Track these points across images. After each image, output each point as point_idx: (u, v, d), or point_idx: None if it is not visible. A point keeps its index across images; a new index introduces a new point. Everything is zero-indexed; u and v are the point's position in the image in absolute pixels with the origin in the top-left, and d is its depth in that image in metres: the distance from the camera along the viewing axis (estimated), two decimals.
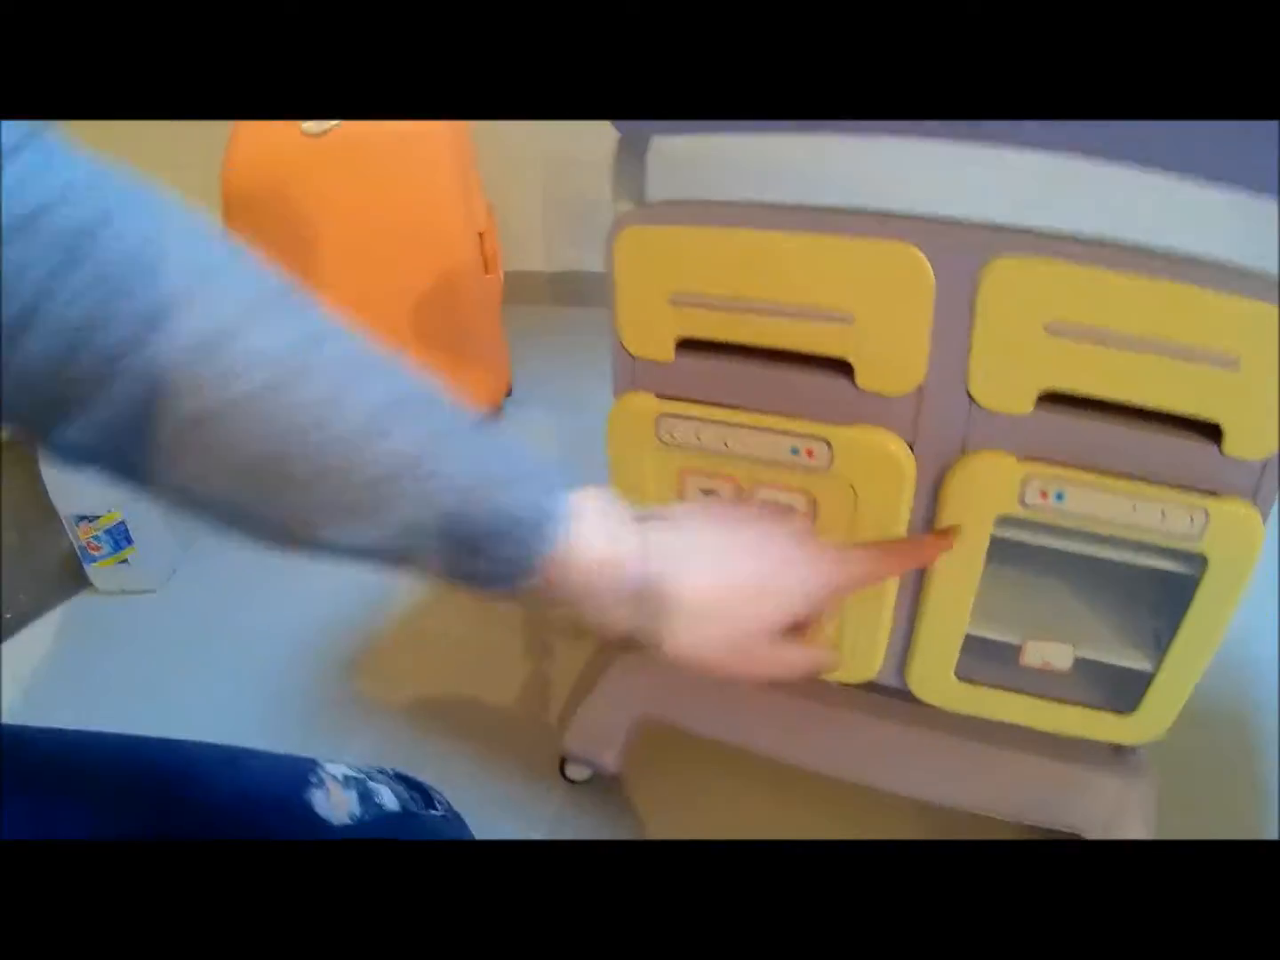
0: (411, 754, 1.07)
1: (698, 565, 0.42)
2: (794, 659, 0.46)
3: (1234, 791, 1.04)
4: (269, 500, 0.34)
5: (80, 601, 1.44)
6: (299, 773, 0.59)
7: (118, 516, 1.37)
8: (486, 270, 1.72)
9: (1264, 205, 0.59)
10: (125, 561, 1.40)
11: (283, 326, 0.34)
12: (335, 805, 0.58)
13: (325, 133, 1.49)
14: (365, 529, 0.36)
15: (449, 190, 1.59)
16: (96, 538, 1.38)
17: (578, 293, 2.55)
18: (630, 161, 0.75)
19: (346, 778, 0.61)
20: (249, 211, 1.56)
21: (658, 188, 0.76)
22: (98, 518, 1.36)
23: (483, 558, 0.38)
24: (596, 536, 0.40)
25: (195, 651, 1.31)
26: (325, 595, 1.40)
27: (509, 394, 1.98)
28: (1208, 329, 0.59)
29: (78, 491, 1.34)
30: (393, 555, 0.37)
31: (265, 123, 1.52)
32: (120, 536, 1.38)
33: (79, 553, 1.41)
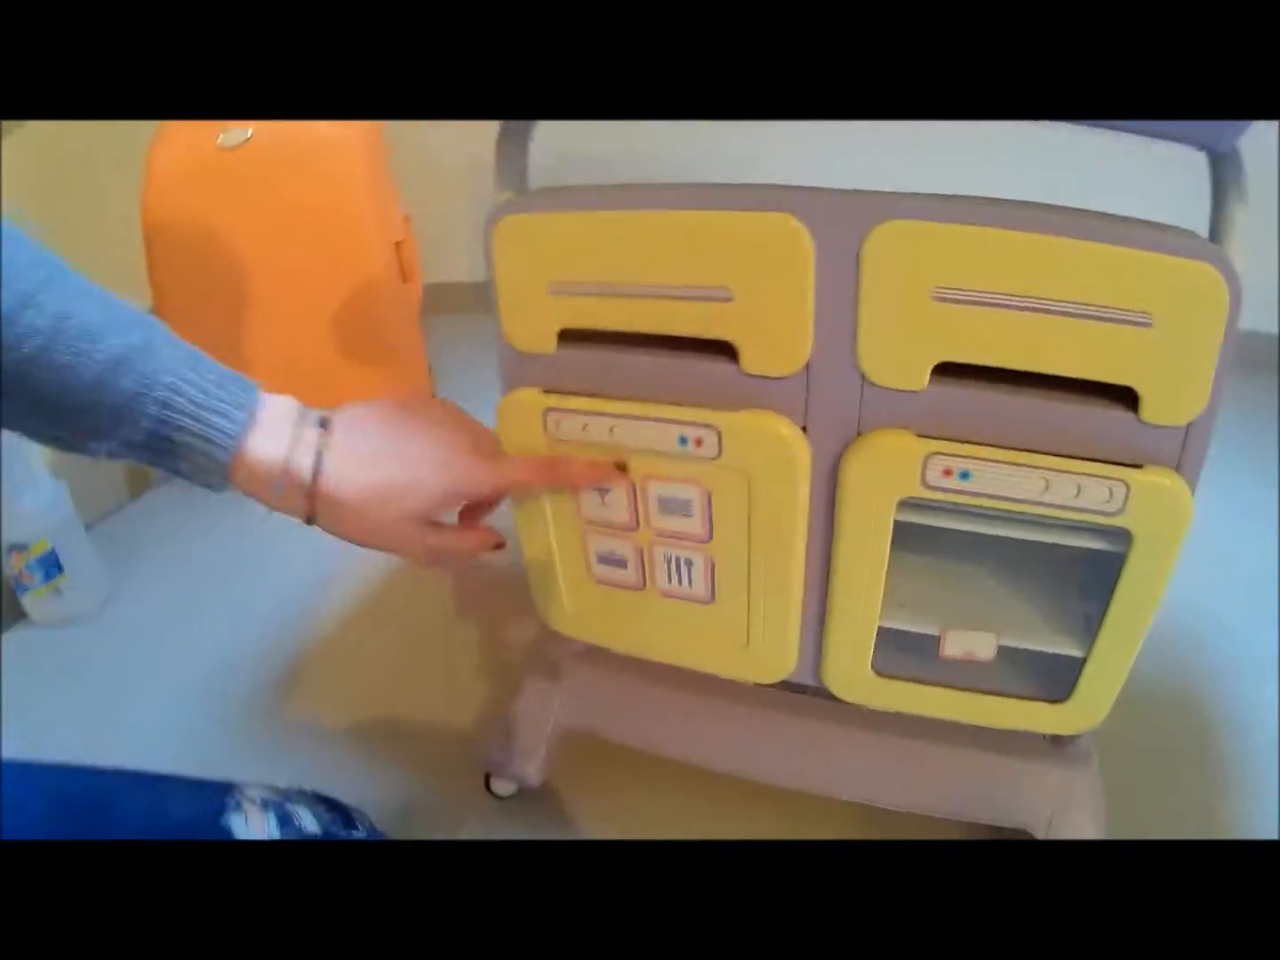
0: (341, 775, 1.05)
1: (352, 471, 0.55)
2: (442, 542, 0.61)
3: (1185, 782, 1.02)
4: (51, 423, 0.49)
5: (16, 634, 1.42)
6: (217, 797, 0.61)
7: (47, 545, 1.34)
8: (405, 279, 1.71)
9: (1166, 151, 0.56)
10: (58, 590, 1.38)
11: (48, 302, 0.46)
12: (254, 828, 0.58)
13: (241, 144, 1.46)
14: (100, 443, 0.50)
15: (363, 199, 1.58)
16: (29, 567, 1.36)
17: None
18: (512, 151, 0.71)
19: (265, 800, 0.61)
20: (168, 227, 1.54)
21: (539, 177, 0.73)
22: (28, 546, 1.34)
23: (184, 463, 0.51)
24: (271, 445, 0.53)
25: (130, 679, 1.30)
26: (254, 618, 1.40)
27: None
28: (1116, 286, 0.55)
29: (8, 518, 1.31)
30: (135, 460, 0.52)
31: (181, 138, 1.51)
32: (51, 564, 1.36)
33: (14, 585, 1.38)
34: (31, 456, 1.34)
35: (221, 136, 1.46)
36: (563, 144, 2.51)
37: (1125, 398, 0.59)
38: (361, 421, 0.57)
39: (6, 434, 1.21)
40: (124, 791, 0.59)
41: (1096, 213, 0.56)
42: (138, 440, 0.50)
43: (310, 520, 0.56)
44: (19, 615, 1.42)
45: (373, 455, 0.56)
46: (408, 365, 1.80)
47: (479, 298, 2.67)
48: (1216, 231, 0.58)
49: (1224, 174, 0.58)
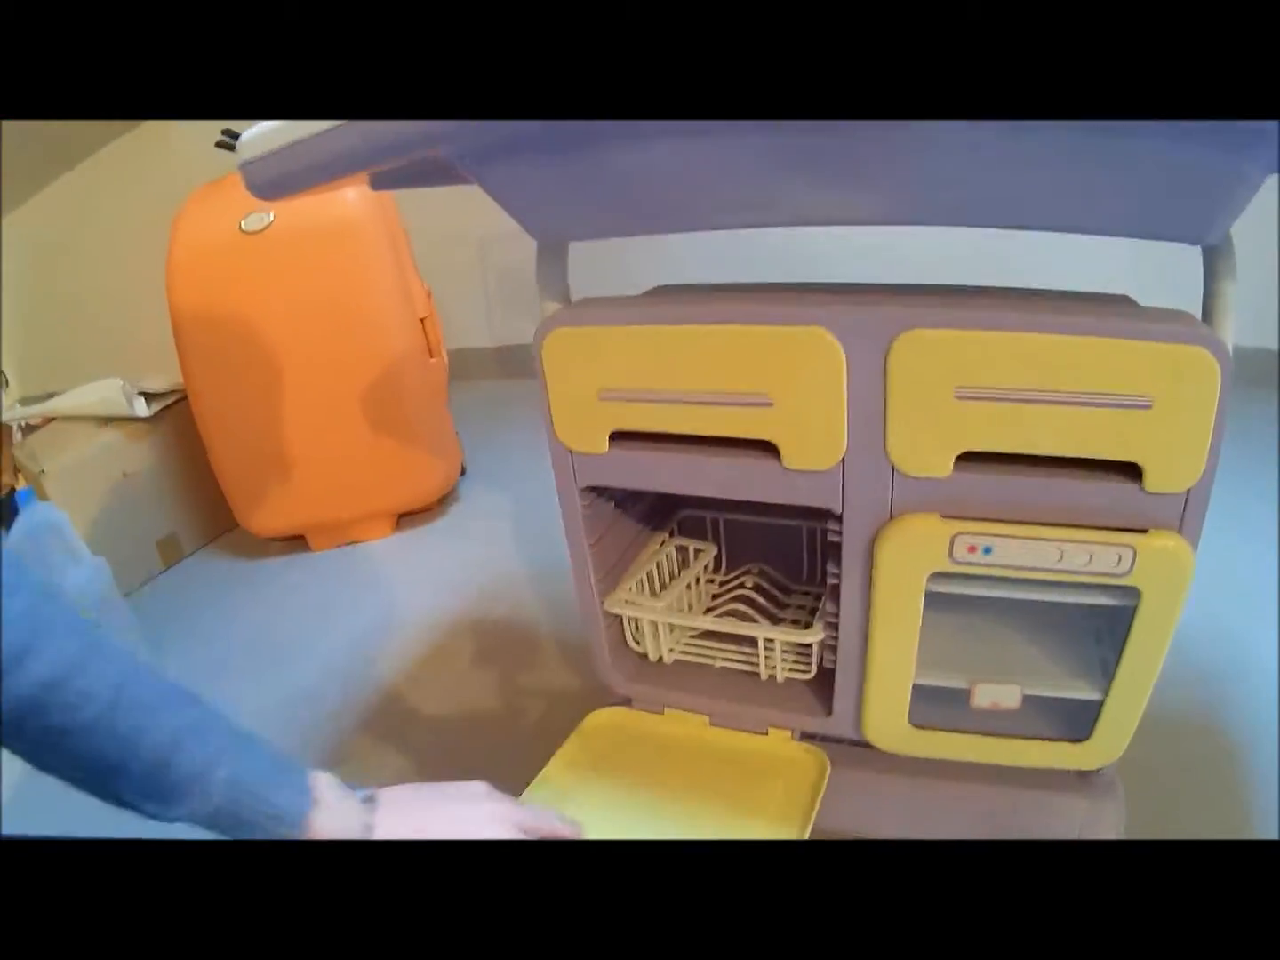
0: None
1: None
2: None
3: (1204, 802, 1.05)
4: (104, 784, 0.49)
5: None
6: None
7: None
8: (430, 355, 1.73)
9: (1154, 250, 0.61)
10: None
11: (103, 670, 0.49)
12: None
13: (263, 229, 1.52)
14: (166, 811, 0.50)
15: (385, 279, 1.62)
16: None
17: (521, 364, 2.58)
18: (551, 265, 0.78)
19: None
20: (194, 313, 1.59)
21: (580, 288, 0.79)
22: None
23: (255, 831, 0.52)
24: (333, 820, 0.55)
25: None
26: (305, 676, 1.41)
27: (463, 473, 2.00)
28: (1119, 375, 0.62)
29: None
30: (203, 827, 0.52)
31: (204, 222, 1.56)
32: None
33: None
34: (71, 533, 1.38)
35: (244, 221, 1.52)
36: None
37: (1130, 471, 0.66)
38: (397, 798, 0.62)
39: (49, 512, 1.23)
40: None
41: (1102, 308, 0.63)
42: (203, 813, 0.51)
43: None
44: None
45: (419, 824, 0.60)
46: (439, 439, 1.83)
47: (500, 363, 2.71)
48: (1209, 313, 0.64)
49: (1215, 262, 0.64)
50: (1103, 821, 0.87)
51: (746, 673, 0.94)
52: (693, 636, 1.00)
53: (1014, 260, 1.59)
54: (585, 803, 0.83)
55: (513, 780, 0.74)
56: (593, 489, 0.86)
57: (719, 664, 0.96)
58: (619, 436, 0.77)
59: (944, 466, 0.69)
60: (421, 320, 1.69)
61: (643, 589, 0.96)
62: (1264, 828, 0.96)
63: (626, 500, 0.97)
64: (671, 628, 0.97)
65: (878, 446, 0.69)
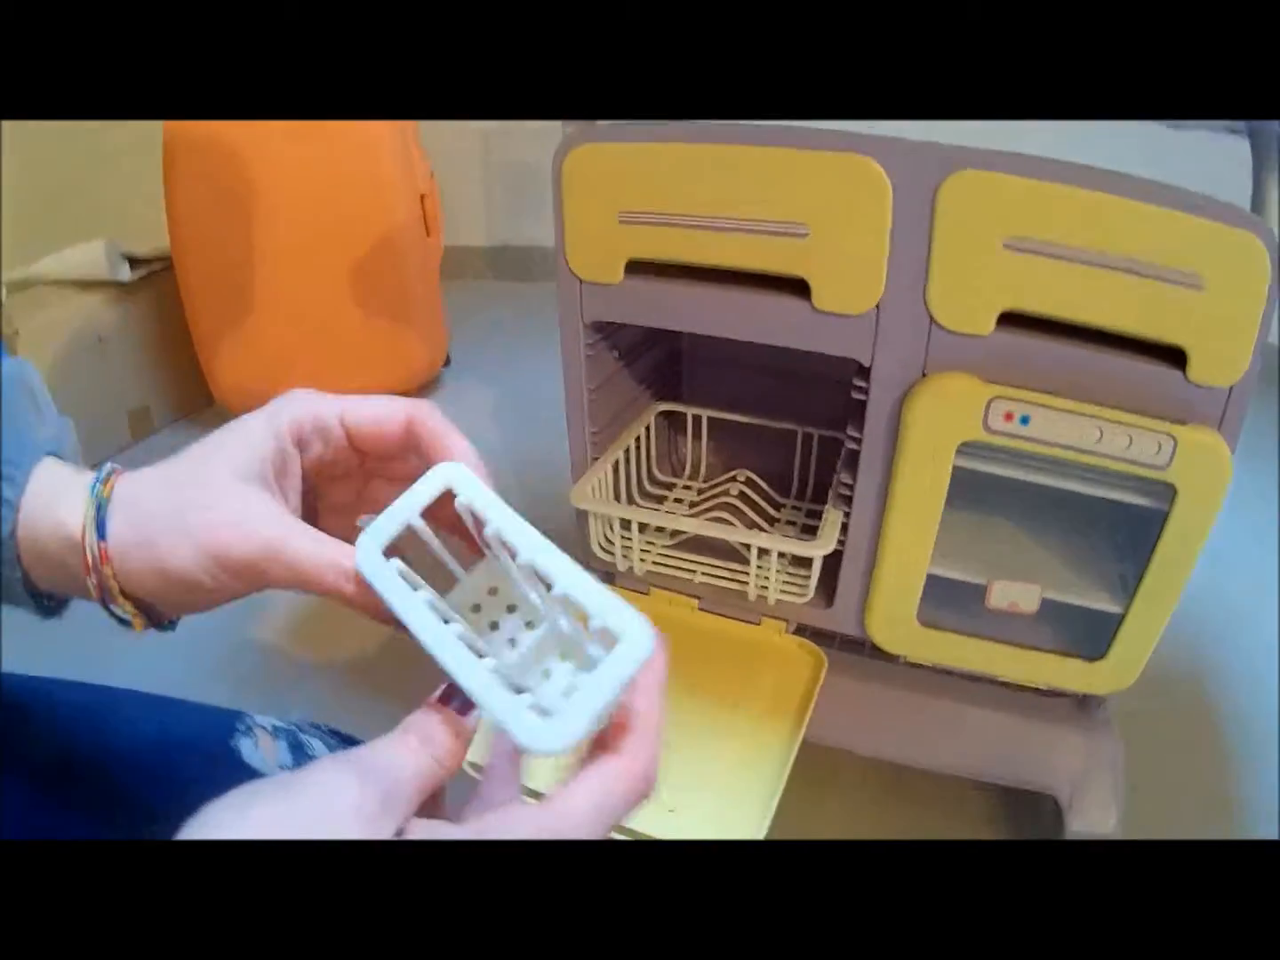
0: (346, 715, 1.04)
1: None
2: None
3: (1197, 753, 1.07)
4: None
5: None
6: (225, 720, 0.60)
7: None
8: (428, 233, 1.73)
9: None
10: None
11: None
12: (264, 753, 0.59)
13: None
14: None
15: (387, 145, 1.60)
16: None
17: (516, 267, 2.57)
18: None
19: (275, 728, 0.62)
20: (190, 161, 1.57)
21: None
22: None
23: None
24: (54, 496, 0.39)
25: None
26: None
27: (447, 363, 2.00)
28: (1171, 248, 0.60)
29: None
30: None
31: None
32: None
33: None
34: (40, 388, 1.35)
35: None
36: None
37: (1175, 358, 0.64)
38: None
39: (18, 366, 1.19)
40: (129, 706, 0.58)
41: (1156, 181, 0.60)
42: None
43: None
44: None
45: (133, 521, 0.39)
46: (427, 319, 1.82)
47: (492, 263, 2.70)
48: (1257, 204, 0.64)
49: (1263, 149, 0.64)
50: (1100, 759, 0.85)
51: (730, 590, 0.86)
52: (668, 546, 0.90)
53: None
54: None
55: None
56: (599, 330, 0.82)
57: (698, 579, 0.87)
58: (634, 269, 0.74)
59: (986, 323, 0.66)
60: (421, 196, 1.68)
61: (606, 485, 0.89)
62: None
63: (628, 355, 0.93)
64: (644, 529, 0.87)
65: (917, 294, 0.66)
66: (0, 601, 0.41)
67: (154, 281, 1.80)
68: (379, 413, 0.41)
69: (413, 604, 0.35)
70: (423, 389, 1.94)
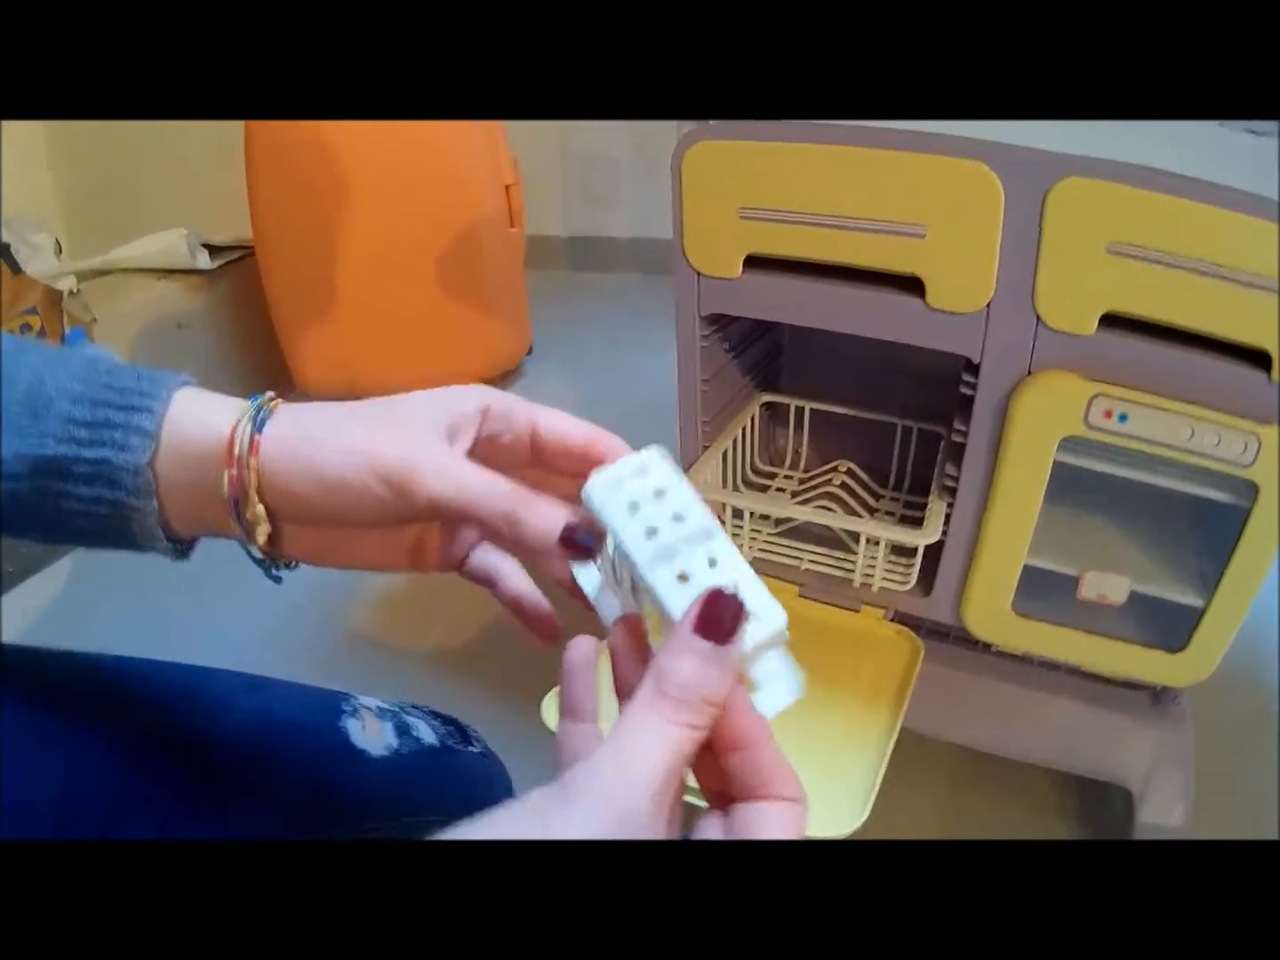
0: (439, 698, 1.08)
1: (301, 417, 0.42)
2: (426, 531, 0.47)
3: (1264, 748, 1.09)
4: None
5: (85, 552, 1.45)
6: (332, 702, 0.61)
7: None
8: (512, 224, 1.76)
9: None
10: None
11: None
12: (371, 735, 0.60)
13: None
14: None
15: (476, 140, 1.64)
16: None
17: (594, 258, 2.62)
18: None
19: (381, 709, 0.63)
20: (273, 151, 1.61)
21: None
22: None
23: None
24: (205, 412, 0.41)
25: (210, 605, 1.31)
26: None
27: (529, 352, 2.04)
28: (1256, 256, 0.64)
29: None
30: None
31: None
32: None
33: None
34: None
35: None
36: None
37: (1260, 361, 0.67)
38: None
39: (98, 350, 1.16)
40: (230, 688, 0.59)
41: (1241, 189, 0.64)
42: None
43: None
44: None
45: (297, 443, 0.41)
46: (512, 309, 1.86)
47: (572, 254, 2.72)
48: None
49: None
50: (1173, 753, 0.89)
51: (832, 578, 0.90)
52: (772, 534, 0.96)
53: None
54: None
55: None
56: (714, 322, 0.87)
57: (804, 566, 0.92)
58: (752, 264, 0.78)
59: (1089, 323, 0.70)
60: (506, 187, 1.71)
61: (715, 475, 0.93)
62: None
63: (737, 346, 0.97)
64: (753, 516, 0.91)
65: (1025, 294, 0.70)
66: (136, 542, 0.41)
67: (234, 270, 1.84)
68: (568, 423, 0.43)
69: (635, 532, 0.36)
70: (506, 377, 1.98)
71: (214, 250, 1.81)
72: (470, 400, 0.41)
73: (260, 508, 0.40)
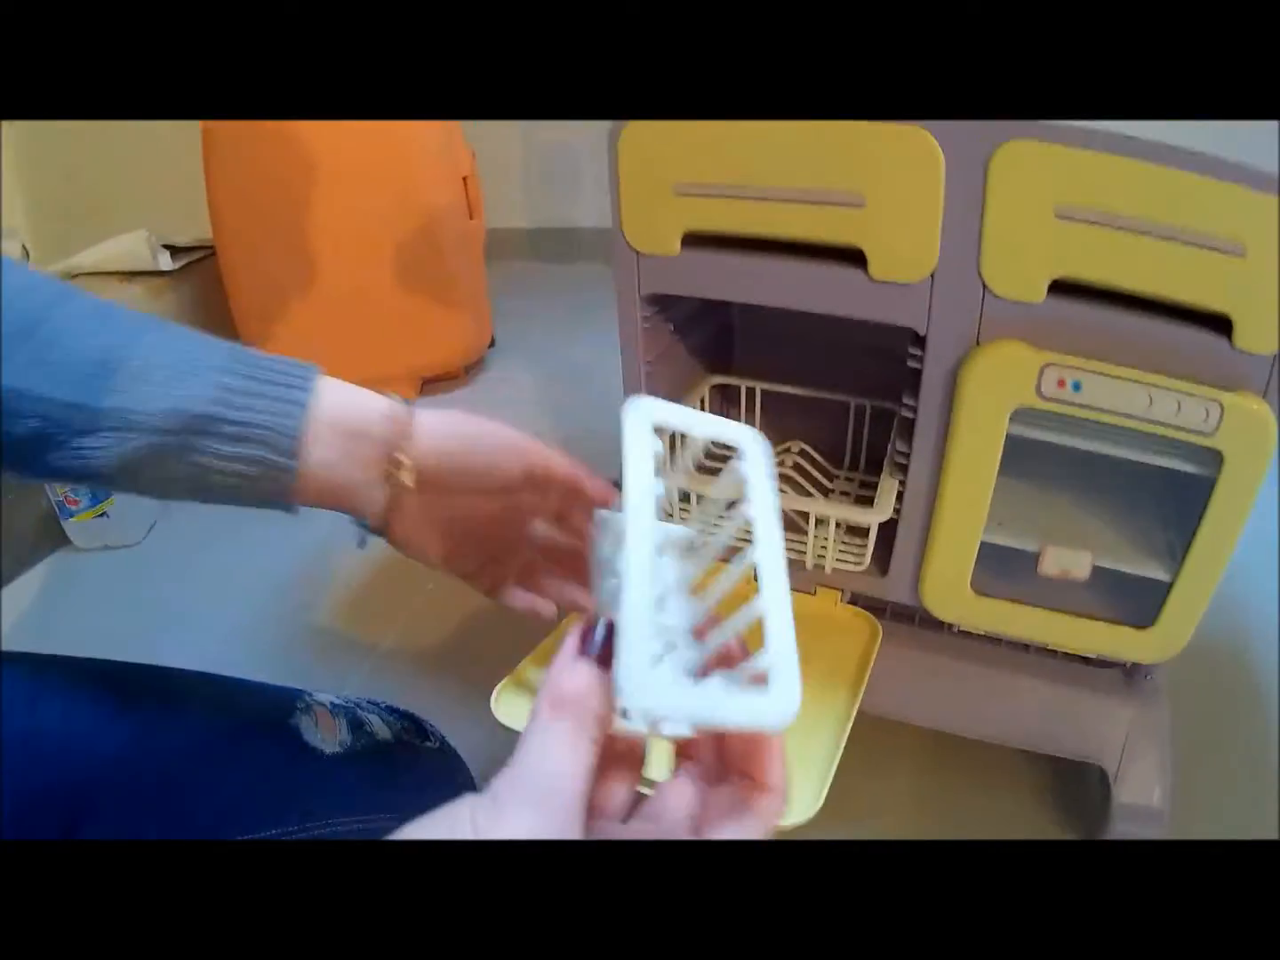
0: (400, 693, 1.08)
1: (441, 423, 0.53)
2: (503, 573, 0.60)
3: (1240, 722, 1.08)
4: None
5: (60, 559, 1.45)
6: (285, 699, 0.63)
7: None
8: (470, 216, 1.76)
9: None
10: (104, 515, 1.42)
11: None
12: (324, 732, 0.61)
13: None
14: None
15: (432, 135, 1.64)
16: (75, 490, 1.39)
17: (557, 248, 2.64)
18: None
19: (335, 705, 0.64)
20: (230, 149, 1.60)
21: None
22: None
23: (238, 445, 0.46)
24: (355, 394, 0.51)
25: (176, 605, 1.34)
26: (307, 540, 1.44)
27: (492, 344, 2.05)
28: (1214, 216, 0.62)
29: None
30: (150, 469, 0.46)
31: None
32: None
33: (56, 509, 1.42)
34: None
35: None
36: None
37: (1221, 326, 0.66)
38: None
39: None
40: (188, 685, 0.61)
41: (1199, 151, 0.63)
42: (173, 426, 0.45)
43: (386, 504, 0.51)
44: (61, 540, 1.47)
45: (456, 421, 0.53)
46: (472, 301, 1.86)
47: (534, 245, 2.74)
48: None
49: None
50: (1149, 730, 0.87)
51: (790, 561, 0.89)
52: (722, 517, 0.93)
53: None
54: None
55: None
56: (655, 303, 0.85)
57: None
58: (691, 242, 0.77)
59: (1038, 290, 0.68)
60: (464, 179, 1.71)
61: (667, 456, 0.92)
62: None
63: (682, 328, 0.96)
64: (699, 500, 0.87)
65: (970, 262, 0.69)
66: (268, 501, 0.48)
67: (197, 270, 1.84)
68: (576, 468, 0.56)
69: (642, 473, 0.38)
70: (469, 370, 1.99)
71: (176, 251, 1.82)
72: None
73: (407, 457, 0.49)
